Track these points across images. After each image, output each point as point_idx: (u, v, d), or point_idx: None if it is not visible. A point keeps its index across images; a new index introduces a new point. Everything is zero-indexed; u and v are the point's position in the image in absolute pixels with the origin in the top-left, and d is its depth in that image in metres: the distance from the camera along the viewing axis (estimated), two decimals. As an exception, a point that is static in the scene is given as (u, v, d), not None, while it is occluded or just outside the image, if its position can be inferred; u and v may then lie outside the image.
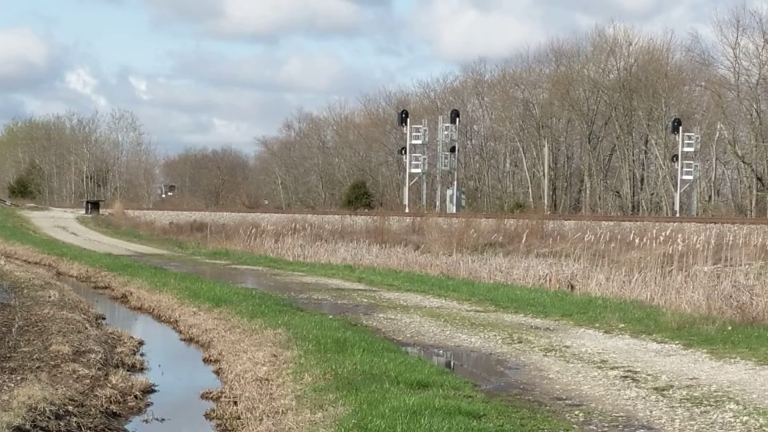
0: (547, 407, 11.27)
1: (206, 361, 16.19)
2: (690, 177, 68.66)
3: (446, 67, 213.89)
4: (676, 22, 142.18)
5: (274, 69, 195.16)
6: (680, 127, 68.48)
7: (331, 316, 19.10)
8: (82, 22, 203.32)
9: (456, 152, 75.06)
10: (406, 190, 73.41)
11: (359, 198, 76.96)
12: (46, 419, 10.50)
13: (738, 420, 10.60)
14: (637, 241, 30.88)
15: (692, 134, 68.88)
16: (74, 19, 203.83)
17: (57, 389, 11.96)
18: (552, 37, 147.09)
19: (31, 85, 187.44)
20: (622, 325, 18.24)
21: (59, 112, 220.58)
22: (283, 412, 11.13)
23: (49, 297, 22.40)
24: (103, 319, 21.12)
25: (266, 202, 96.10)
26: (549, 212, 63.00)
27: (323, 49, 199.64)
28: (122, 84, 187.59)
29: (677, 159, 68.80)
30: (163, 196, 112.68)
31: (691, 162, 68.72)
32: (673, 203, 69.04)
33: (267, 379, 13.06)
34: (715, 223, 39.57)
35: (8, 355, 14.34)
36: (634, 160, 76.26)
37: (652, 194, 75.26)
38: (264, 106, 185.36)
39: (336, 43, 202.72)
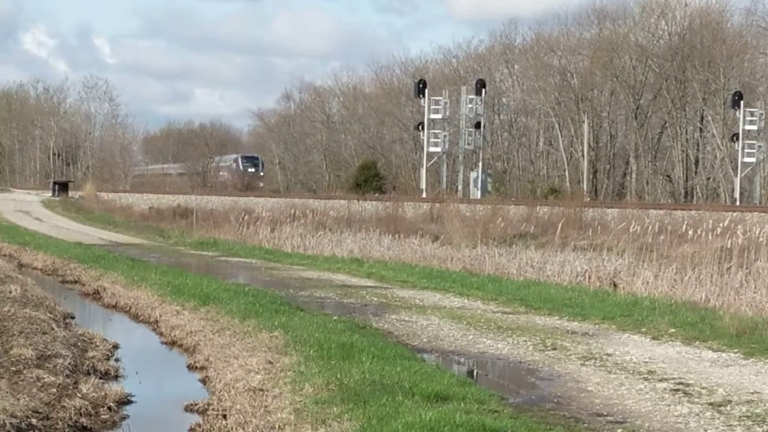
0: (586, 424, 11.27)
1: (191, 367, 16.22)
2: (752, 159, 68.44)
3: (457, 27, 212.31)
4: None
5: (260, 29, 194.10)
6: (741, 102, 68.28)
7: (335, 317, 19.11)
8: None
9: (482, 129, 74.95)
10: (423, 171, 73.36)
11: (369, 181, 76.92)
12: (7, 433, 10.53)
13: (807, 441, 10.59)
14: (690, 233, 30.79)
15: (755, 110, 68.67)
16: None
17: (19, 399, 11.98)
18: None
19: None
20: (673, 330, 18.22)
21: (14, 77, 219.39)
22: (279, 427, 11.16)
23: (10, 293, 22.44)
24: (73, 318, 21.19)
25: (261, 185, 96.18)
26: (588, 199, 62.94)
27: (315, 6, 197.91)
28: (84, 45, 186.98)
29: (738, 138, 68.63)
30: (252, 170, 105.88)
31: (754, 142, 68.52)
32: (733, 189, 68.90)
33: (261, 390, 13.09)
34: (781, 212, 39.52)
35: (-37, 359, 14.38)
36: (687, 140, 76.12)
37: (708, 179, 75.14)
38: (251, 71, 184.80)
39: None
